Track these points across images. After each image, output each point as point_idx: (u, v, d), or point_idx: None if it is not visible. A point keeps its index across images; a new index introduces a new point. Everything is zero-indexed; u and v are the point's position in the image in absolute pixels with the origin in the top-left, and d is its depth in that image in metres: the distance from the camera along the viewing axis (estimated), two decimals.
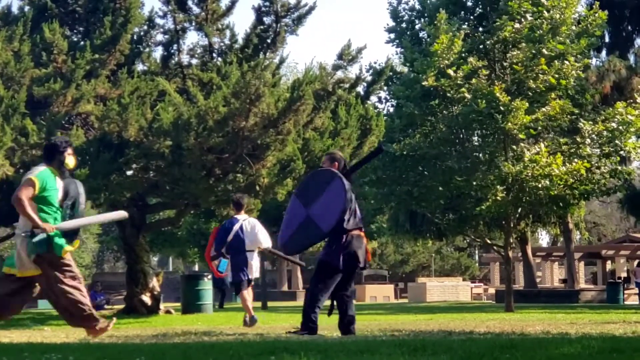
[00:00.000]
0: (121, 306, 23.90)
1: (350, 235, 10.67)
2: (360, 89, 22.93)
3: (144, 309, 21.28)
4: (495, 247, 30.72)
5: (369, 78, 23.79)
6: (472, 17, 29.96)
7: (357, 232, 10.78)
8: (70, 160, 10.72)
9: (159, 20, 21.36)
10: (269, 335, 10.73)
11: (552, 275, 62.08)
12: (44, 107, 18.05)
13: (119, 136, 17.79)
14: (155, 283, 22.05)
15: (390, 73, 29.72)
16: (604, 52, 40.78)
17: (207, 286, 23.62)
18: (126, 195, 19.08)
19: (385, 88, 31.15)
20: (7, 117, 16.83)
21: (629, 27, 40.54)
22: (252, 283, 15.23)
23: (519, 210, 26.32)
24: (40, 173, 10.48)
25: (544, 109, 25.29)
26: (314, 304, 10.71)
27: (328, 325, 11.28)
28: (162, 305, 22.58)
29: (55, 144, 10.89)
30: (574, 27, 26.63)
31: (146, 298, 21.49)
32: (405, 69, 32.05)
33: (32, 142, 17.16)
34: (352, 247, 10.66)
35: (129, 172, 19.87)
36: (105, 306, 30.22)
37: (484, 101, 24.30)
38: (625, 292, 42.74)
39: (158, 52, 21.98)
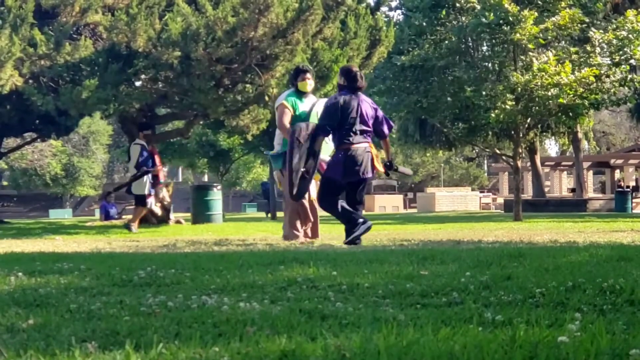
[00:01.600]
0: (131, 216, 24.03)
1: (350, 148, 10.72)
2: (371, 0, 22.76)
3: (154, 219, 21.41)
4: (504, 157, 30.75)
5: None
6: None
7: (360, 145, 10.80)
8: (302, 86, 12.10)
9: None
10: (278, 245, 10.82)
11: (561, 185, 62.23)
12: (52, 18, 17.96)
13: (128, 47, 17.72)
14: (165, 193, 22.14)
15: None
16: None
17: (216, 196, 23.71)
18: (135, 106, 19.05)
19: None
20: (16, 28, 16.77)
21: None
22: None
23: (528, 120, 26.24)
24: (287, 96, 12.04)
25: (553, 19, 25.08)
26: (336, 215, 11.01)
27: (339, 235, 11.36)
28: (172, 216, 22.71)
29: (294, 69, 12.82)
30: None
31: (156, 208, 21.60)
32: None
33: (41, 53, 17.12)
34: (352, 160, 10.75)
35: (138, 83, 19.83)
36: (116, 216, 30.31)
37: (491, 14, 24.11)
38: (634, 200, 42.82)
39: None
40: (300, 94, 12.05)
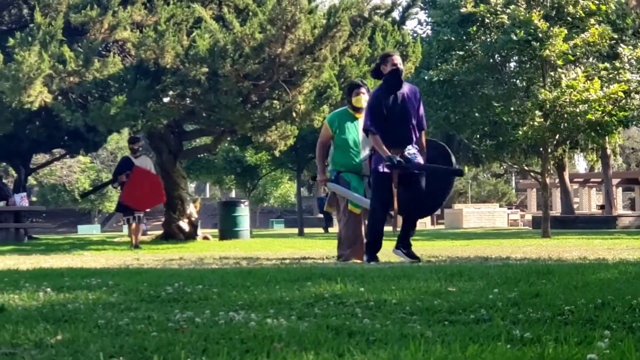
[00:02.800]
0: (159, 232, 24.10)
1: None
2: (396, 14, 22.78)
3: (181, 235, 21.48)
4: (532, 174, 30.68)
5: (405, 3, 23.69)
6: None
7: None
8: (357, 101, 11.17)
9: None
10: (305, 261, 10.80)
11: (590, 201, 61.92)
12: (81, 34, 18.08)
13: (156, 63, 17.81)
14: (192, 209, 22.20)
15: None
16: None
17: (243, 212, 23.76)
18: (163, 122, 19.12)
19: (425, 11, 30.97)
20: (45, 45, 16.88)
21: None
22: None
23: (557, 136, 26.15)
24: (332, 115, 11.43)
25: (582, 35, 25.01)
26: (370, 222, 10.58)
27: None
28: (199, 232, 22.76)
29: (348, 85, 12.14)
30: None
31: (184, 224, 21.67)
32: None
33: (70, 70, 17.22)
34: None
35: (166, 99, 19.91)
36: (145, 231, 30.31)
37: (522, 31, 24.06)
38: None
39: None
40: (354, 111, 11.14)
